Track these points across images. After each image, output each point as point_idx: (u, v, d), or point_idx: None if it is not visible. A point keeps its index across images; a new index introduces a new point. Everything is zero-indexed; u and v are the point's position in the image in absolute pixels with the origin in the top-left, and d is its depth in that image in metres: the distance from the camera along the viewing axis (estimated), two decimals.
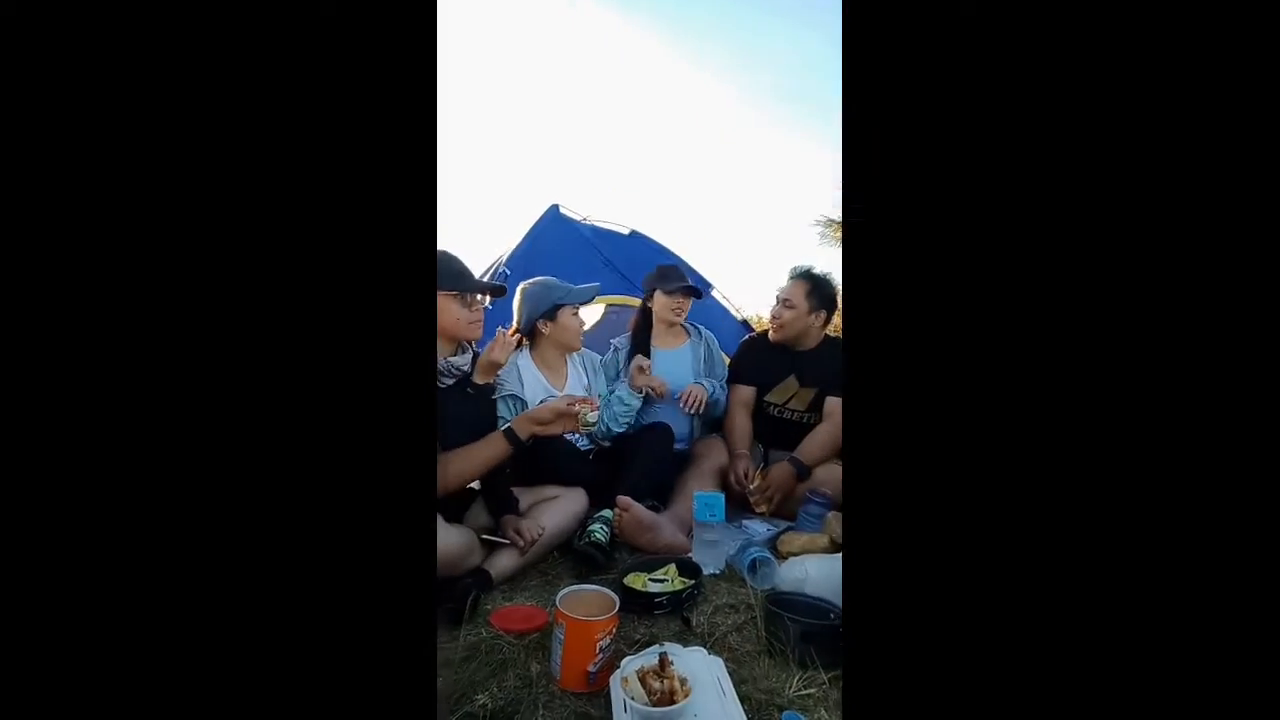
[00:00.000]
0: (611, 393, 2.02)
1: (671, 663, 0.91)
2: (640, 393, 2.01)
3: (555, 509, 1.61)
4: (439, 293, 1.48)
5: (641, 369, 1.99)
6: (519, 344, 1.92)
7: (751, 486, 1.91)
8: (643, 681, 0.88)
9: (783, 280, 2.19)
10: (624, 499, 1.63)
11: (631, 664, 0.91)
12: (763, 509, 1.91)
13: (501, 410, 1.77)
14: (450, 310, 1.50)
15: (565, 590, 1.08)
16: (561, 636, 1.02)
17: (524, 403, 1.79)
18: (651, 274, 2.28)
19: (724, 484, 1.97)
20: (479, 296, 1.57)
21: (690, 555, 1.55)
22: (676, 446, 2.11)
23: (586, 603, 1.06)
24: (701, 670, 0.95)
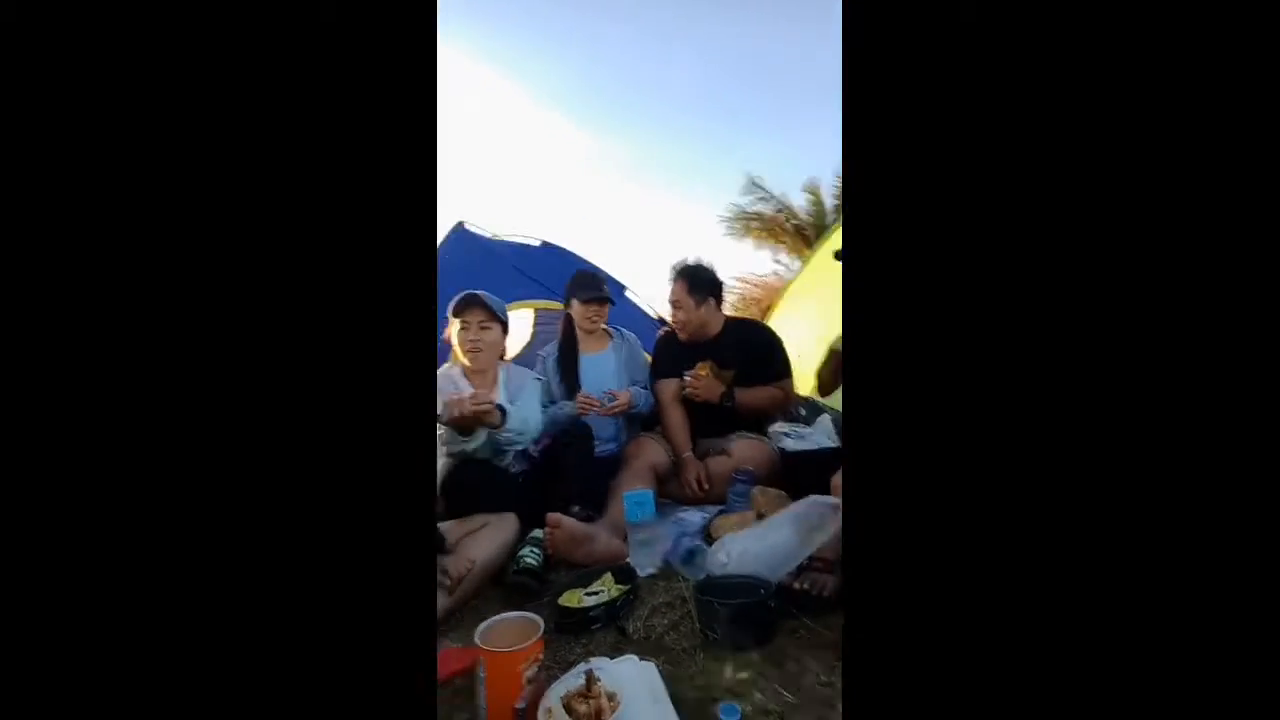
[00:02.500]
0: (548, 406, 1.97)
1: (598, 680, 0.88)
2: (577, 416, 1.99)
3: (483, 539, 1.54)
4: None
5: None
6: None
7: (686, 376, 1.99)
8: (568, 709, 0.84)
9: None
10: (553, 516, 1.58)
11: (556, 691, 0.88)
12: (695, 393, 2.03)
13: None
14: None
15: (484, 624, 1.03)
16: (483, 675, 0.97)
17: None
18: (570, 281, 2.26)
19: (658, 482, 1.97)
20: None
21: (627, 560, 1.53)
22: (606, 448, 2.10)
23: (508, 632, 1.01)
24: (632, 680, 0.93)
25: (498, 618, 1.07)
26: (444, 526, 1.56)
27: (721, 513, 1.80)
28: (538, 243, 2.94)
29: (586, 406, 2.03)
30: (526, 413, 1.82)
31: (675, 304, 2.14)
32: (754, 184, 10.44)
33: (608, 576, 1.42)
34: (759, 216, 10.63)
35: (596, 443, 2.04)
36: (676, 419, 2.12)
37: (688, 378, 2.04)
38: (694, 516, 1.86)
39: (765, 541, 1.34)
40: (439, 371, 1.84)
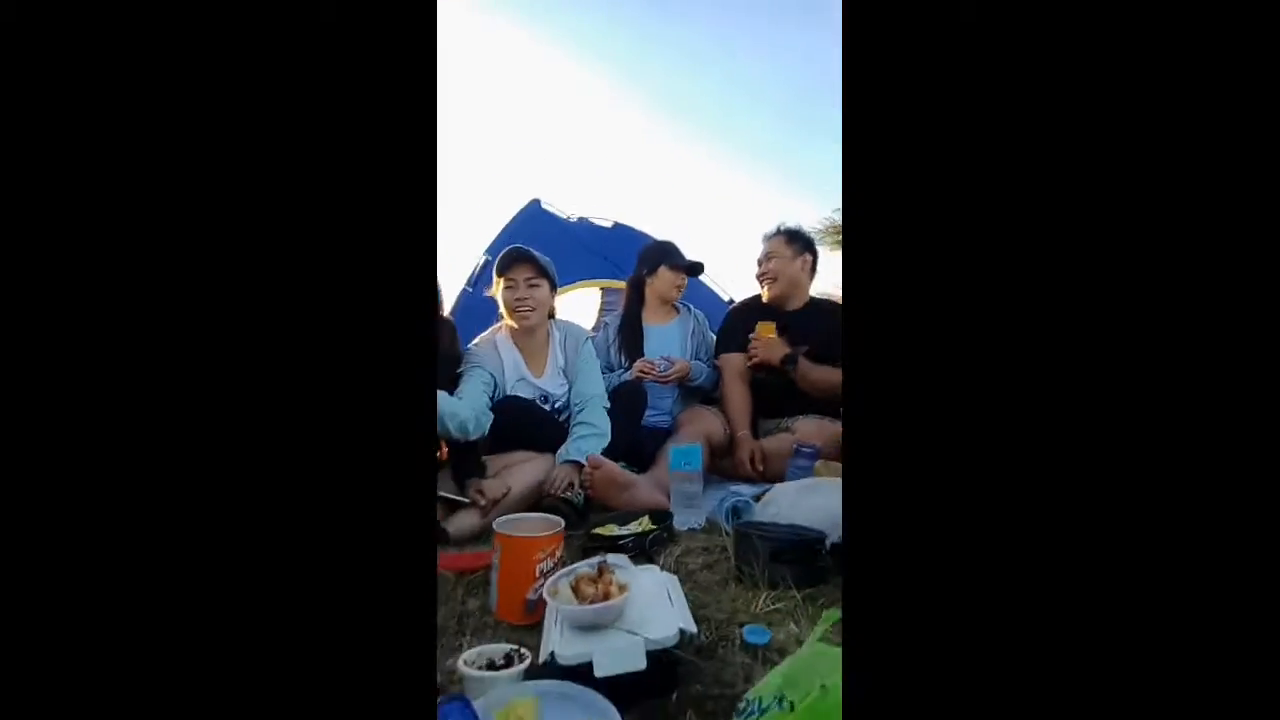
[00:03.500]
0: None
1: (611, 570, 0.80)
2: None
3: (523, 471, 1.52)
4: None
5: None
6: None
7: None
8: (575, 589, 0.77)
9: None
10: (595, 456, 1.53)
11: (564, 576, 0.81)
12: (757, 352, 1.90)
13: (467, 385, 1.60)
14: None
15: (504, 517, 0.98)
16: (497, 561, 0.91)
17: (496, 383, 1.68)
18: (650, 248, 2.23)
19: (711, 456, 1.86)
20: None
21: (668, 509, 1.44)
22: (657, 420, 2.02)
23: (527, 527, 0.96)
24: (649, 582, 0.84)
25: (518, 515, 1.02)
26: (486, 458, 1.55)
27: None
28: (610, 223, 2.98)
29: (645, 371, 1.97)
30: (585, 378, 1.74)
31: (769, 255, 2.04)
32: None
33: (645, 519, 1.33)
34: None
35: (649, 412, 1.97)
36: (738, 395, 2.00)
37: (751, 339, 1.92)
38: (746, 489, 1.72)
39: (823, 495, 1.20)
40: (484, 337, 1.79)
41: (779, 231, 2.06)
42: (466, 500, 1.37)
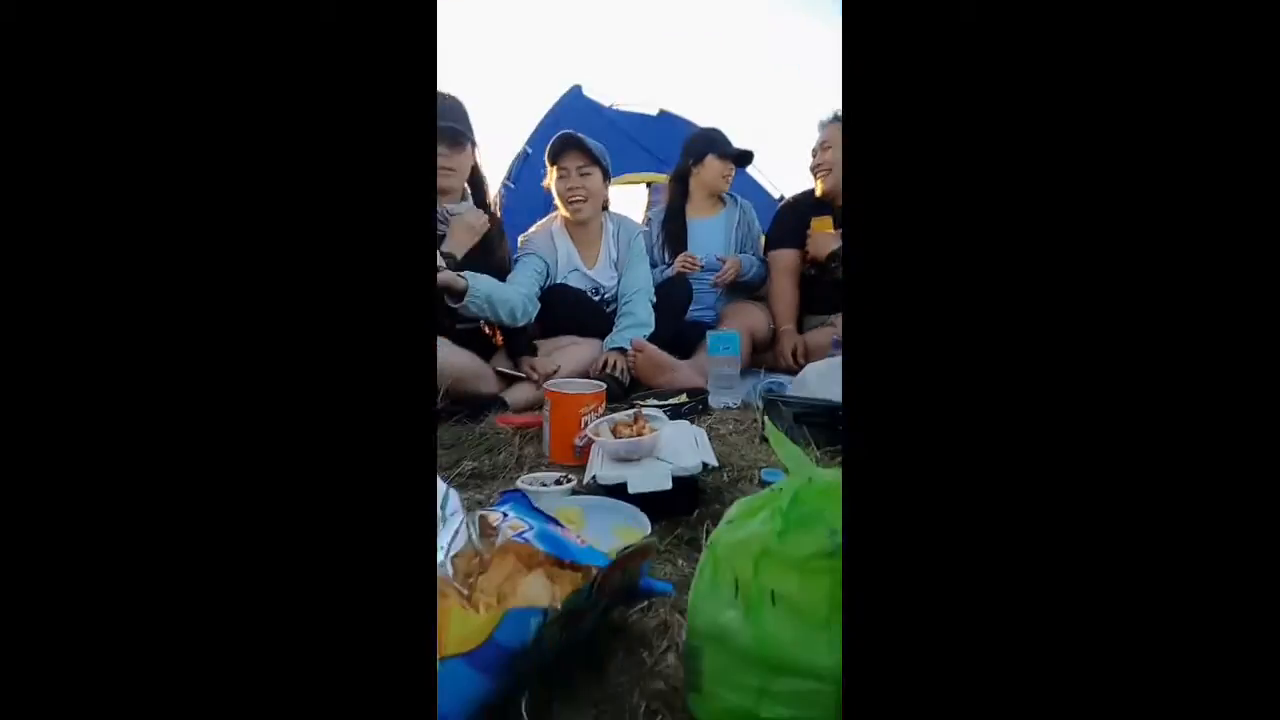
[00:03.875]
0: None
1: (645, 418, 0.91)
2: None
3: (571, 353, 1.64)
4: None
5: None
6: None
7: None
8: (614, 431, 0.88)
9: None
10: (638, 340, 1.62)
11: (605, 421, 0.92)
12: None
13: (519, 271, 1.69)
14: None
15: (553, 380, 1.10)
16: (548, 413, 1.05)
17: (549, 271, 1.75)
18: (696, 136, 2.14)
19: (754, 350, 1.91)
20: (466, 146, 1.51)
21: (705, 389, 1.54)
22: (702, 314, 2.07)
23: (574, 387, 1.08)
24: (678, 430, 0.94)
25: (566, 379, 1.14)
26: (537, 342, 1.68)
27: None
28: (655, 112, 2.86)
29: (689, 266, 1.97)
30: (633, 271, 1.78)
31: (824, 145, 1.94)
32: None
33: (683, 396, 1.44)
34: None
35: (694, 307, 2.02)
36: (786, 291, 2.00)
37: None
38: (784, 378, 1.79)
39: None
40: (541, 226, 1.82)
41: (837, 118, 1.92)
42: (521, 375, 1.51)
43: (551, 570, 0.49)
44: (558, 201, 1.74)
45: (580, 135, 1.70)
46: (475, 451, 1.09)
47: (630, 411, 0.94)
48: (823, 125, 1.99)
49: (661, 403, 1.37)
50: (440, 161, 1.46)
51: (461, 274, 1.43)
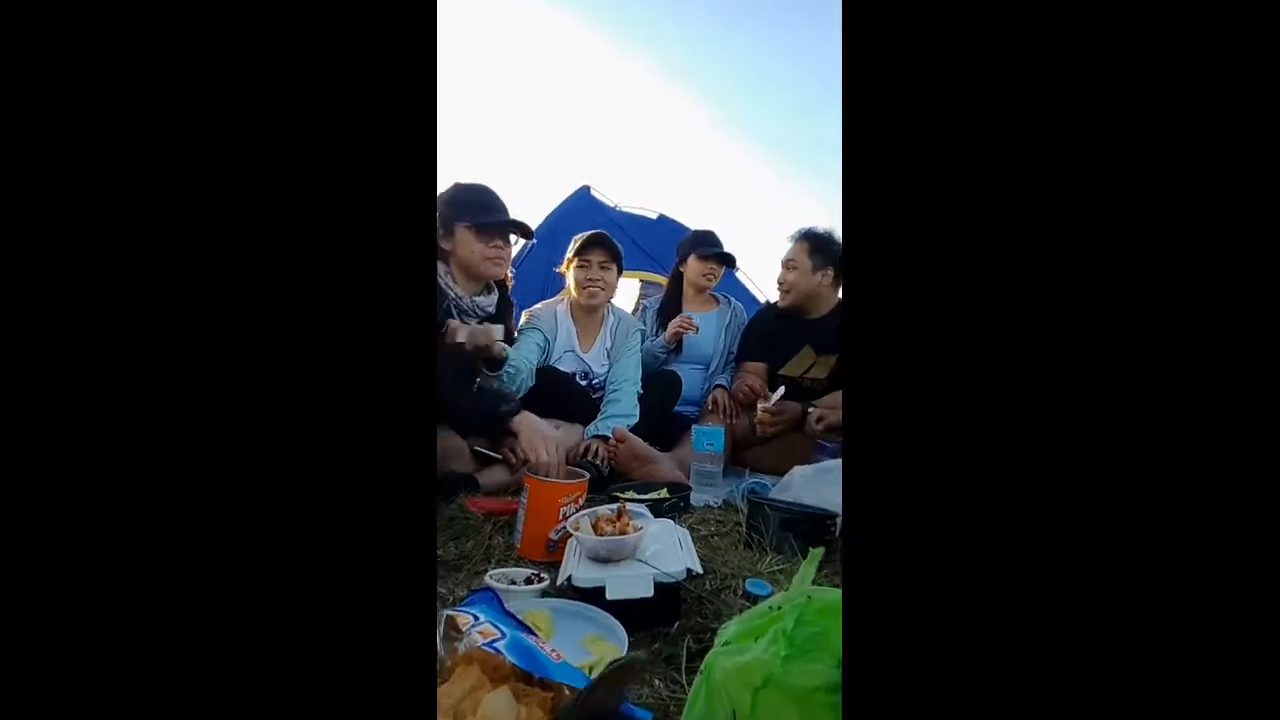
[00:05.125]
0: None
1: (629, 515, 0.87)
2: (670, 345, 2.00)
3: (553, 437, 1.60)
4: (458, 225, 1.48)
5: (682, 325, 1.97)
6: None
7: (762, 406, 1.77)
8: (595, 526, 0.84)
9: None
10: (620, 429, 1.60)
11: (586, 515, 0.87)
12: (765, 431, 1.79)
13: (522, 342, 1.74)
14: (466, 243, 1.49)
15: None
16: (525, 500, 0.99)
17: (548, 348, 1.80)
18: (686, 238, 2.30)
19: (734, 447, 1.89)
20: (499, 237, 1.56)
21: (687, 485, 1.49)
22: (687, 410, 2.07)
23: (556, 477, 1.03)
24: (663, 530, 0.90)
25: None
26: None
27: None
28: (655, 215, 3.05)
29: (686, 326, 2.00)
30: (625, 363, 1.84)
31: (789, 263, 2.00)
32: None
33: (663, 490, 1.39)
34: None
35: (680, 403, 2.03)
36: (757, 383, 2.02)
37: (759, 409, 1.78)
38: (766, 479, 1.75)
39: (840, 480, 1.23)
40: (550, 303, 1.90)
41: (804, 236, 2.01)
42: (499, 456, 1.46)
43: (519, 688, 0.43)
44: (572, 287, 1.84)
45: (608, 235, 1.85)
46: (441, 537, 1.02)
47: (613, 505, 0.89)
48: (791, 239, 2.05)
49: (641, 496, 1.31)
50: (494, 252, 1.53)
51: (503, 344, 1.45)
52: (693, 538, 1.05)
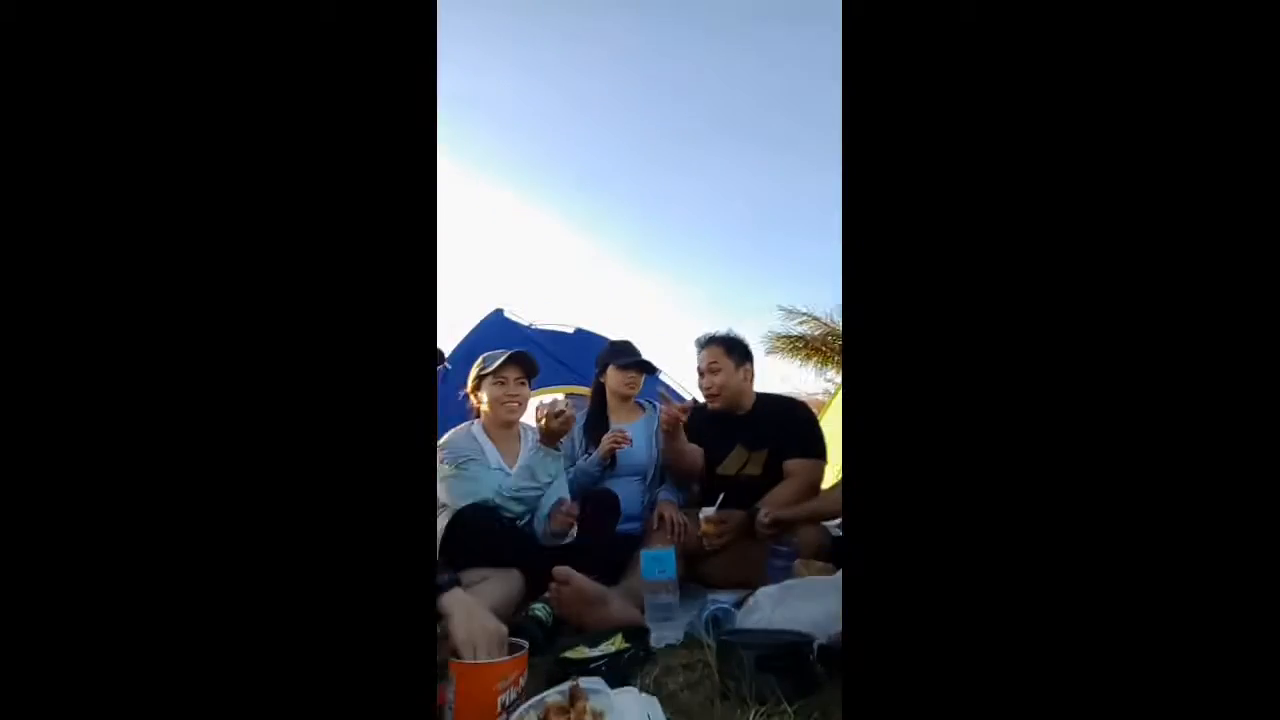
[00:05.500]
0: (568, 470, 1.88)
1: (585, 697, 0.71)
2: (604, 462, 1.91)
3: (481, 593, 1.38)
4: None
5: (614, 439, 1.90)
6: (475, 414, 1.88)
7: (704, 515, 1.67)
8: None
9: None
10: (562, 569, 1.42)
11: (532, 708, 0.71)
12: (712, 542, 1.68)
13: (469, 473, 1.66)
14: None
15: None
16: (452, 696, 0.80)
17: (486, 467, 1.71)
18: (604, 350, 2.29)
19: (686, 563, 1.76)
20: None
21: (643, 625, 1.32)
22: (628, 528, 1.93)
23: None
24: (627, 708, 0.74)
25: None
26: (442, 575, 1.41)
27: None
28: (571, 329, 3.07)
29: (620, 441, 1.92)
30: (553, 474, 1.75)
31: (710, 367, 2.00)
32: (788, 312, 10.71)
33: (617, 636, 1.21)
34: (802, 339, 10.72)
35: (621, 521, 1.89)
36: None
37: (702, 520, 1.70)
38: (723, 598, 1.61)
39: (809, 596, 1.14)
40: (458, 431, 1.82)
41: (715, 340, 2.05)
42: None
43: None
44: (488, 406, 1.81)
45: (528, 353, 1.86)
46: None
47: (564, 686, 0.74)
48: (701, 344, 2.08)
49: (595, 652, 1.13)
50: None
51: None
52: (661, 699, 0.89)
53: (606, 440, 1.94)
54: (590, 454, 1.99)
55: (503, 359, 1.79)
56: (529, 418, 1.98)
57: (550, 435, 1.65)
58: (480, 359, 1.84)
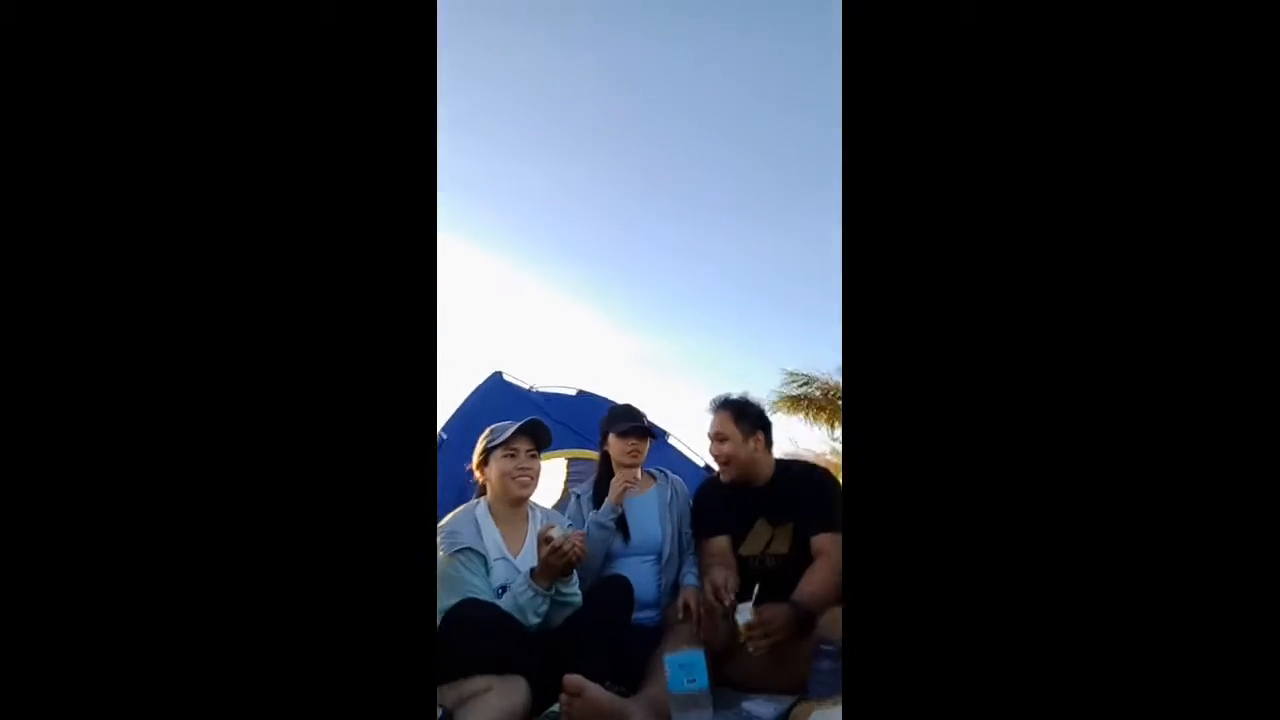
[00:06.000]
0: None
1: None
2: (617, 510, 1.76)
3: (485, 708, 1.17)
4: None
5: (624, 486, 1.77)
6: (479, 491, 1.70)
7: (743, 622, 1.43)
8: None
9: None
10: (573, 679, 1.21)
11: None
12: (757, 646, 1.42)
13: (459, 569, 1.45)
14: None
15: None
16: None
17: (484, 559, 1.51)
18: (606, 416, 2.14)
19: (714, 662, 1.53)
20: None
21: None
22: (644, 617, 1.72)
23: None
24: None
25: None
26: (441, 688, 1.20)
27: (801, 700, 1.33)
28: (573, 392, 2.94)
29: (631, 482, 1.79)
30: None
31: (718, 436, 1.86)
32: (790, 375, 10.73)
33: None
34: (806, 398, 10.69)
35: (636, 612, 1.69)
36: (727, 579, 1.75)
37: (741, 624, 1.44)
38: (763, 708, 1.39)
39: None
40: (460, 512, 1.63)
41: (725, 405, 1.92)
42: None
43: None
44: (495, 481, 1.62)
45: (541, 421, 1.68)
46: None
47: None
48: (712, 408, 1.94)
49: None
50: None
51: None
52: None
53: (615, 485, 1.77)
54: (600, 508, 1.81)
55: (513, 429, 1.62)
56: (542, 487, 1.83)
57: (547, 571, 1.42)
58: (488, 431, 1.67)
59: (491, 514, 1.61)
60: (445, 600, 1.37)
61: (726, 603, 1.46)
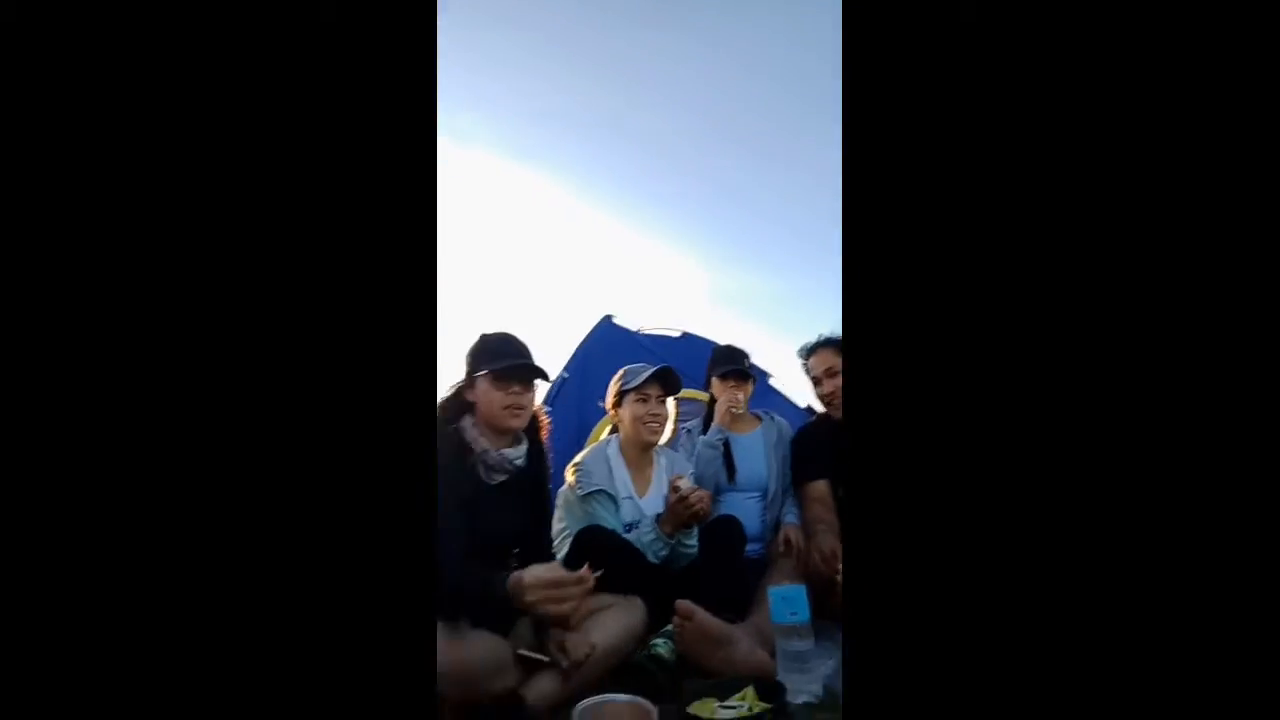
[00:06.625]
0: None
1: None
2: (723, 429, 1.85)
3: (607, 621, 1.36)
4: (477, 375, 1.39)
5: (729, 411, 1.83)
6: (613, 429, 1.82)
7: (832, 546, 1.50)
8: None
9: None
10: (685, 604, 1.35)
11: None
12: None
13: (593, 509, 1.60)
14: (485, 394, 1.38)
15: (584, 702, 0.84)
16: None
17: (615, 500, 1.64)
18: (710, 358, 2.18)
19: (817, 597, 1.60)
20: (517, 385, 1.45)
21: (775, 677, 1.21)
22: (749, 549, 1.81)
23: (614, 717, 0.81)
24: None
25: (602, 698, 0.87)
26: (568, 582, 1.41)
27: None
28: (678, 334, 2.99)
29: (734, 405, 1.87)
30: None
31: (829, 371, 1.84)
32: None
33: (749, 690, 1.12)
34: None
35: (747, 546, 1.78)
36: (832, 522, 1.76)
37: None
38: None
39: None
40: (593, 450, 1.76)
41: (828, 343, 1.87)
42: (546, 660, 1.22)
43: None
44: (629, 424, 1.71)
45: (674, 370, 1.74)
46: None
47: None
48: (807, 351, 1.92)
49: (726, 708, 1.05)
50: (512, 400, 1.38)
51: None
52: None
53: (719, 409, 1.85)
54: (707, 434, 1.90)
55: (646, 375, 1.69)
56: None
57: (674, 519, 1.51)
58: (622, 371, 1.76)
59: (622, 454, 1.72)
60: (576, 528, 1.55)
61: (837, 575, 1.50)
